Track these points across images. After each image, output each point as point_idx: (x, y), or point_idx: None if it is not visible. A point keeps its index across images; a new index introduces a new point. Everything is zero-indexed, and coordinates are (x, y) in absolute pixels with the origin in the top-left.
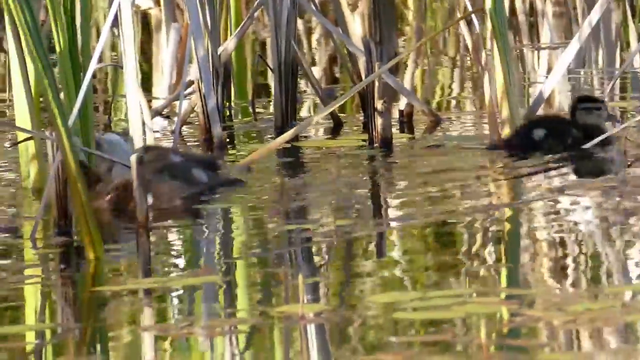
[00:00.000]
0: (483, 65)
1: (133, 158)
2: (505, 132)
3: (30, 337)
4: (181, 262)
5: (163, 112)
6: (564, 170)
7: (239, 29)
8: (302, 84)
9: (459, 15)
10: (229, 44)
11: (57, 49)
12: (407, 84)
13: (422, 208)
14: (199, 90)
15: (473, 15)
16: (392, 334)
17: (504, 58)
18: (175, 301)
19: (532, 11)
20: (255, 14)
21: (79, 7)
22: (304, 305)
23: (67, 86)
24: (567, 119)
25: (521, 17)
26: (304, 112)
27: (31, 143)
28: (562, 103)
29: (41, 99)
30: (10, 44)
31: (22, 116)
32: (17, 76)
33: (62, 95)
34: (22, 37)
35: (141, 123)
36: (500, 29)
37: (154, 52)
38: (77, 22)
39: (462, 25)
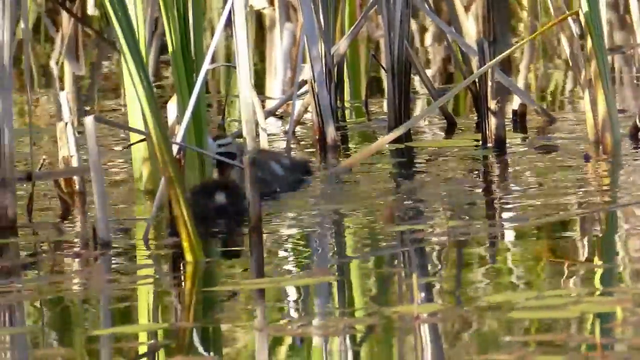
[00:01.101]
0: (580, 65)
1: (246, 159)
2: (605, 133)
3: (144, 337)
4: (294, 262)
5: (276, 113)
6: None
7: (352, 28)
8: (416, 83)
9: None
10: (342, 44)
11: (170, 49)
12: (520, 83)
13: (535, 208)
14: (312, 90)
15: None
16: (507, 333)
17: (600, 58)
18: (289, 301)
19: None
20: (369, 14)
21: (191, 7)
22: (418, 305)
23: (181, 86)
24: None
25: (635, 17)
26: (417, 112)
27: (144, 144)
28: None
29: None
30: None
31: (136, 117)
32: (129, 77)
33: (174, 97)
34: (120, 36)
35: (254, 124)
36: (595, 28)
37: (267, 52)
38: (190, 22)
39: (572, 25)
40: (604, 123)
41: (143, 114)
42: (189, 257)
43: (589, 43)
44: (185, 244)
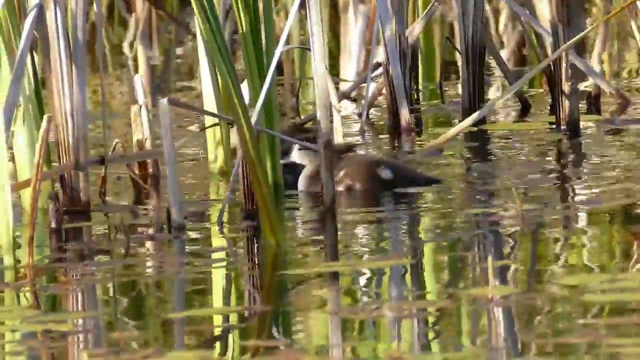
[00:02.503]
0: None
1: (320, 142)
2: None
3: (218, 321)
4: (368, 245)
5: (350, 95)
6: None
7: (426, 10)
8: (491, 66)
9: None
10: (416, 26)
11: (240, 31)
12: (594, 66)
13: (609, 190)
14: (387, 73)
15: None
16: (581, 316)
17: None
18: (363, 284)
19: None
20: None
21: None
22: (492, 287)
23: (251, 70)
24: None
25: None
26: (492, 94)
27: (218, 127)
28: None
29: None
30: (197, 29)
31: (210, 100)
32: (204, 61)
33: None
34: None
35: (328, 107)
36: None
37: (341, 34)
38: (259, 4)
39: None
40: None
41: (225, 97)
42: (270, 239)
43: None
44: (266, 227)
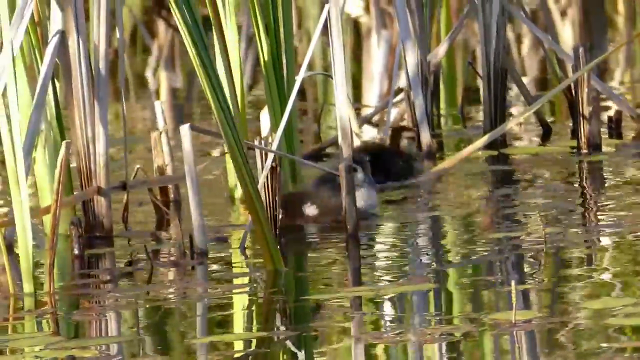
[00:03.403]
0: None
1: (341, 167)
2: None
3: (240, 346)
4: (390, 270)
5: (372, 120)
6: None
7: (448, 35)
8: (512, 92)
9: None
10: (438, 51)
11: (261, 59)
12: (616, 89)
13: (631, 215)
14: (408, 98)
15: None
16: (605, 340)
17: None
18: (387, 309)
19: None
20: (465, 21)
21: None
22: (515, 312)
23: (272, 96)
24: None
25: None
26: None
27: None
28: None
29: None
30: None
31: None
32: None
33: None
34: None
35: (350, 132)
36: None
37: (364, 60)
38: (280, 32)
39: None
40: None
41: (222, 127)
42: (269, 266)
43: None
44: (265, 253)
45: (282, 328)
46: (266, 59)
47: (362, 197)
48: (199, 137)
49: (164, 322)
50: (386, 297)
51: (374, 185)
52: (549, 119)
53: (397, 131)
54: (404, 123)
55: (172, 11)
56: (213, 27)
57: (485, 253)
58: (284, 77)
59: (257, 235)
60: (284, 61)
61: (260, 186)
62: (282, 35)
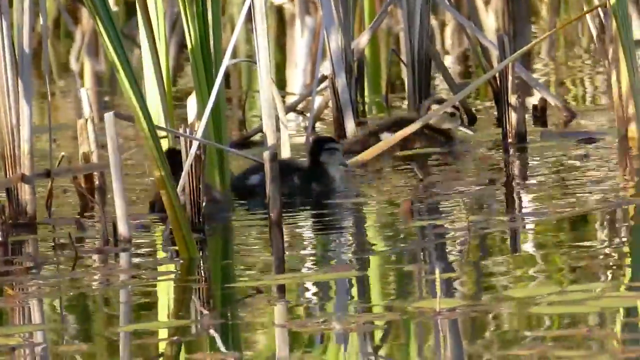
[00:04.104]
0: (609, 60)
1: (266, 155)
2: (632, 126)
3: (165, 334)
4: (314, 258)
5: (297, 108)
6: None
7: (372, 23)
8: (436, 78)
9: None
10: (362, 39)
11: (189, 45)
12: (540, 78)
13: (555, 202)
14: (332, 86)
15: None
16: (528, 329)
17: (628, 53)
18: (310, 297)
19: None
20: (389, 8)
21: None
22: (439, 300)
23: (200, 83)
24: None
25: None
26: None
27: (164, 140)
28: None
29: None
30: (142, 40)
31: (156, 112)
32: (149, 73)
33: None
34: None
35: (275, 119)
36: (623, 22)
37: (288, 47)
38: (208, 18)
39: (589, 19)
40: (632, 117)
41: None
42: (183, 254)
43: (617, 36)
44: (178, 240)
45: (207, 316)
46: (194, 45)
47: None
48: (126, 125)
49: (88, 309)
50: (310, 284)
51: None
52: (473, 108)
53: (427, 106)
54: (330, 110)
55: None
56: (139, 12)
57: (410, 241)
58: (211, 63)
59: (173, 224)
60: (212, 47)
61: (184, 174)
62: (210, 22)
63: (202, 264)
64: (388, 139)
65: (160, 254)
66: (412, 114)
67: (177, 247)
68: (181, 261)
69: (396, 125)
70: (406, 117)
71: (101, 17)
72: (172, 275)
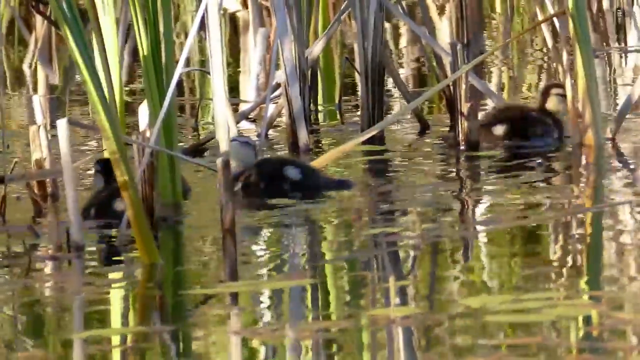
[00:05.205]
0: (565, 68)
1: (219, 162)
2: (588, 134)
3: (117, 341)
4: (268, 265)
5: (250, 116)
6: None
7: (326, 31)
8: (390, 87)
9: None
10: (316, 47)
11: (141, 53)
12: (493, 86)
13: (508, 211)
14: (286, 94)
15: (556, 18)
16: (482, 337)
17: (586, 60)
18: (264, 304)
19: (620, 12)
20: (342, 17)
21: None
22: (393, 308)
23: (151, 91)
24: None
25: (609, 19)
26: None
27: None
28: None
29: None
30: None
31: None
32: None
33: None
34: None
35: (227, 127)
36: (581, 30)
37: (241, 55)
38: (159, 26)
39: (544, 28)
40: (588, 125)
41: (98, 118)
42: (145, 259)
43: (576, 44)
44: (139, 246)
45: (159, 323)
46: (145, 52)
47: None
48: (78, 131)
49: (41, 316)
50: (263, 292)
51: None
52: (426, 115)
53: (547, 89)
54: (283, 118)
55: (50, 4)
56: (90, 20)
57: (363, 249)
58: (163, 71)
59: (135, 229)
60: (163, 55)
61: (137, 181)
62: (161, 29)
63: (155, 271)
64: (348, 144)
65: (114, 261)
66: (517, 102)
67: (135, 253)
68: (135, 267)
69: (505, 113)
70: (513, 105)
71: (68, 22)
72: (125, 282)
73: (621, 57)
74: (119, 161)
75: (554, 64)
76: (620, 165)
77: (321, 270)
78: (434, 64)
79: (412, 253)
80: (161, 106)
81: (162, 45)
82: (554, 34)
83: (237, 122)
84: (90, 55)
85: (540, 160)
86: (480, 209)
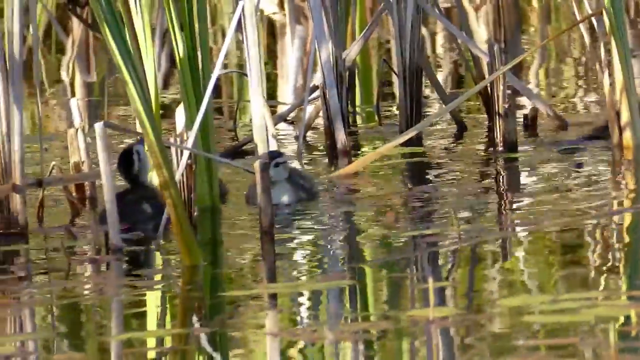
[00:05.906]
0: (602, 67)
1: (256, 165)
2: (626, 134)
3: (156, 343)
4: (307, 267)
5: (288, 118)
6: None
7: (363, 33)
8: (427, 88)
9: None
10: (353, 49)
11: (177, 57)
12: (532, 86)
13: (547, 211)
14: (324, 95)
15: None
16: (521, 337)
17: (623, 59)
18: (303, 306)
19: None
20: (380, 18)
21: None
22: (432, 309)
23: (187, 94)
24: None
25: None
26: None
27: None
28: None
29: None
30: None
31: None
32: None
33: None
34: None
35: (265, 130)
36: (618, 28)
37: (279, 58)
38: (195, 30)
39: (583, 27)
40: (626, 125)
41: (139, 120)
42: (186, 261)
43: (613, 44)
44: (182, 247)
45: (198, 325)
46: (181, 56)
47: (281, 192)
48: (116, 134)
49: (80, 318)
50: (302, 294)
51: (296, 182)
52: (464, 116)
53: None
54: (321, 120)
55: (91, 6)
56: (125, 25)
57: (402, 250)
58: (199, 74)
59: (176, 230)
60: (199, 58)
61: (176, 183)
62: (197, 32)
63: (195, 273)
64: (385, 146)
65: (153, 263)
66: None
67: (169, 256)
68: (173, 270)
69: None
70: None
71: (108, 23)
72: (163, 284)
73: None
74: (160, 163)
75: (592, 64)
76: None
77: (360, 271)
78: (472, 65)
79: (450, 254)
80: (198, 109)
81: (199, 47)
82: (592, 33)
83: (275, 124)
84: (132, 57)
85: (579, 162)
86: (518, 210)
